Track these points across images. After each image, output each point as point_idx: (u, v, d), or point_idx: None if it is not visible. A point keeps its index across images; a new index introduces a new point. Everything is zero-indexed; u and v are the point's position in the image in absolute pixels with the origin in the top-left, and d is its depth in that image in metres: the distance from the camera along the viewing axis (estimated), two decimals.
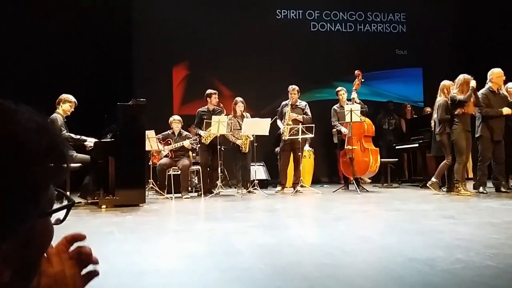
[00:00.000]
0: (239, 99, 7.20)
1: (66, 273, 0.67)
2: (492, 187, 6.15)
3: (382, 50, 9.86)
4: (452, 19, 10.02)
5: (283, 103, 7.31)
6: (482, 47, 9.09)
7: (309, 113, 7.16)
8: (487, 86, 6.18)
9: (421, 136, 7.51)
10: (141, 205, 5.34)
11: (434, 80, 6.53)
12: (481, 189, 5.94)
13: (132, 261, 2.49)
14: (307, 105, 7.27)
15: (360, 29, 10.05)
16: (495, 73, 6.16)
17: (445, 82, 6.25)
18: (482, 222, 3.65)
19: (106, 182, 5.45)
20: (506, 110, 6.00)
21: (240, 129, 6.88)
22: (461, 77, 5.94)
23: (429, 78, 9.23)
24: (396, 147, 8.57)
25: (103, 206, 5.17)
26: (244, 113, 7.12)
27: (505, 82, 6.31)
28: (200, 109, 7.13)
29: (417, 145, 7.71)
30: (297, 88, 7.16)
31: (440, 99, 6.18)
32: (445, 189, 6.23)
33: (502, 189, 6.03)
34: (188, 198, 6.42)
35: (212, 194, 6.59)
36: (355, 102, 7.05)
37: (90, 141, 5.70)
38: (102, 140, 5.76)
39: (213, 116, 6.64)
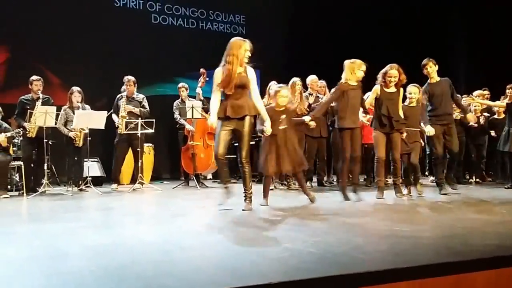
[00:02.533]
0: (75, 88, 6.65)
1: None
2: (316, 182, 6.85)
3: (223, 49, 10.08)
4: (286, 23, 10.72)
5: (118, 95, 6.98)
6: (312, 51, 9.97)
7: (147, 107, 6.96)
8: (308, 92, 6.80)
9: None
10: None
11: (270, 81, 6.88)
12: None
13: None
14: (145, 98, 7.05)
15: (202, 27, 10.14)
16: (313, 80, 6.83)
17: None
18: (309, 213, 4.03)
19: None
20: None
21: None
22: (293, 80, 6.53)
23: (266, 79, 9.80)
24: (235, 144, 8.90)
25: None
26: (81, 104, 6.59)
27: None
28: (22, 97, 6.36)
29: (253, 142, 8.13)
30: (133, 79, 6.89)
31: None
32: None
33: (324, 184, 6.83)
34: (7, 197, 5.69)
35: (37, 193, 5.94)
36: (200, 99, 7.13)
37: None
38: None
39: (39, 106, 5.98)
